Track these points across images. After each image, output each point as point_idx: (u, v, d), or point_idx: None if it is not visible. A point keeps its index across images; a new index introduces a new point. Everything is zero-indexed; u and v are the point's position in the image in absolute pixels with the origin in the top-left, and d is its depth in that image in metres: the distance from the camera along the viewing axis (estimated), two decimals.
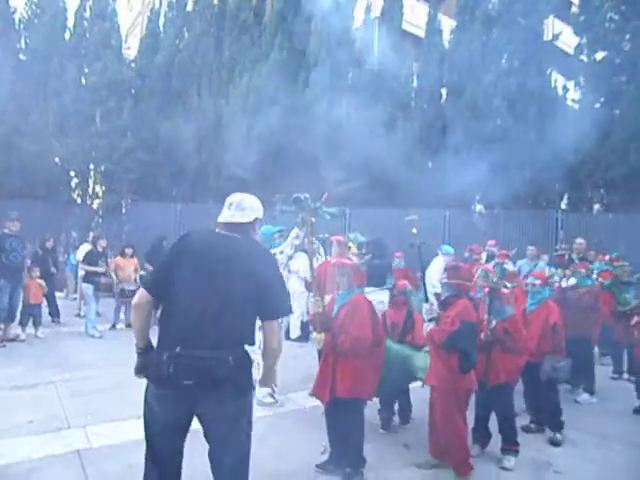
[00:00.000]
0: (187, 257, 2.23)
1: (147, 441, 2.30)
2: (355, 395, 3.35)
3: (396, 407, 4.53)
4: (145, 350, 2.33)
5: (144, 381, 2.37)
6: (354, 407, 3.38)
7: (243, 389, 2.24)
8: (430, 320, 3.54)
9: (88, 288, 7.94)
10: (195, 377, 2.11)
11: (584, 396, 5.47)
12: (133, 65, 13.40)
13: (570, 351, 5.17)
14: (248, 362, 2.27)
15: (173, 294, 2.19)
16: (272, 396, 4.79)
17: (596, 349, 6.75)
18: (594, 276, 6.01)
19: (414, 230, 3.81)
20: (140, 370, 2.35)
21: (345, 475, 3.34)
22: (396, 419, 4.53)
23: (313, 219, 3.69)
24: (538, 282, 4.53)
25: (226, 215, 2.38)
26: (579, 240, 7.60)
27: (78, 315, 9.48)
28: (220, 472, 2.24)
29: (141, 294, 2.28)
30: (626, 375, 6.12)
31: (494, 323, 3.86)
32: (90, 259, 8.07)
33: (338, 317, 3.44)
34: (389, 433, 4.34)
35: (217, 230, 2.38)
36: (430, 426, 3.70)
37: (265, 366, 2.44)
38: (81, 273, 9.09)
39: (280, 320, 2.40)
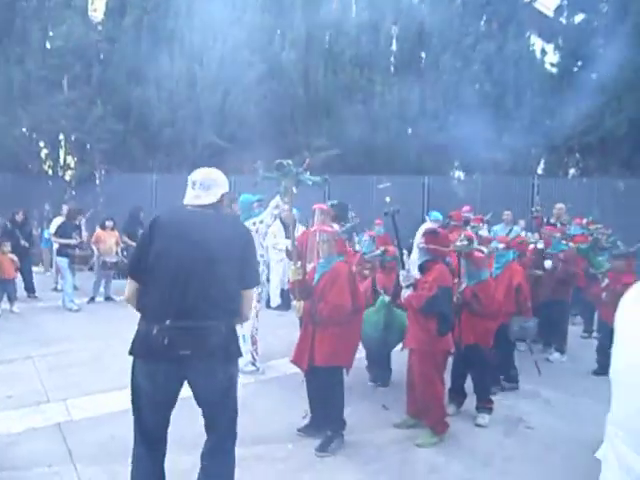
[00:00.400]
0: (164, 235, 2.23)
1: (136, 415, 2.33)
2: (333, 363, 3.39)
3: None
4: None
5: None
6: (333, 375, 3.42)
7: (234, 356, 2.33)
8: (407, 286, 3.58)
9: (62, 261, 7.79)
10: (191, 347, 2.15)
11: (555, 355, 5.69)
12: (100, 28, 12.75)
13: (546, 313, 5.34)
14: (236, 331, 2.35)
15: (153, 271, 2.20)
16: (253, 364, 4.84)
17: None
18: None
19: (387, 198, 3.80)
20: None
21: (326, 437, 3.42)
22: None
23: (295, 188, 3.63)
24: (501, 246, 4.65)
25: (191, 196, 2.36)
26: (559, 205, 7.70)
27: (55, 289, 9.33)
28: (215, 431, 2.36)
29: (130, 285, 2.29)
30: (595, 334, 6.35)
31: (463, 286, 3.93)
32: (63, 231, 7.87)
33: (318, 285, 3.45)
34: (368, 396, 4.44)
35: (181, 205, 2.36)
36: (408, 387, 3.80)
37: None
38: (55, 246, 8.91)
39: (260, 290, 2.42)
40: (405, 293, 3.60)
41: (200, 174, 2.38)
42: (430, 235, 3.67)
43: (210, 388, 2.26)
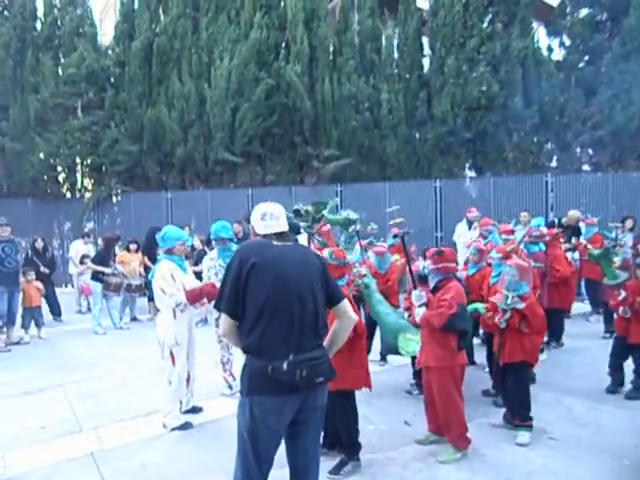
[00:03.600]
0: (267, 276, 2.33)
1: (253, 454, 2.34)
2: (338, 387, 3.30)
3: None
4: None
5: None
6: (340, 399, 3.41)
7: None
8: (420, 305, 3.66)
9: (96, 286, 8.02)
10: (323, 374, 2.35)
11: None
12: (110, 52, 13.06)
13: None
14: None
15: (262, 309, 2.31)
16: (230, 387, 4.92)
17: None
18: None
19: (400, 219, 3.86)
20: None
21: (340, 461, 3.48)
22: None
23: (313, 231, 3.74)
24: (499, 256, 4.65)
25: (265, 225, 2.54)
26: (523, 213, 7.68)
27: (80, 312, 9.60)
28: (304, 454, 2.49)
29: (226, 322, 2.40)
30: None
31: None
32: (100, 260, 8.14)
33: None
34: (389, 412, 4.49)
35: (267, 240, 2.51)
36: (426, 405, 3.85)
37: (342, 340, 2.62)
38: (78, 270, 9.15)
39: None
40: (420, 312, 3.66)
41: (267, 207, 2.59)
42: (435, 256, 3.72)
43: (319, 407, 2.44)
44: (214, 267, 4.85)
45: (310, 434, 2.47)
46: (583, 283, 8.21)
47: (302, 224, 3.63)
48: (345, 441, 3.53)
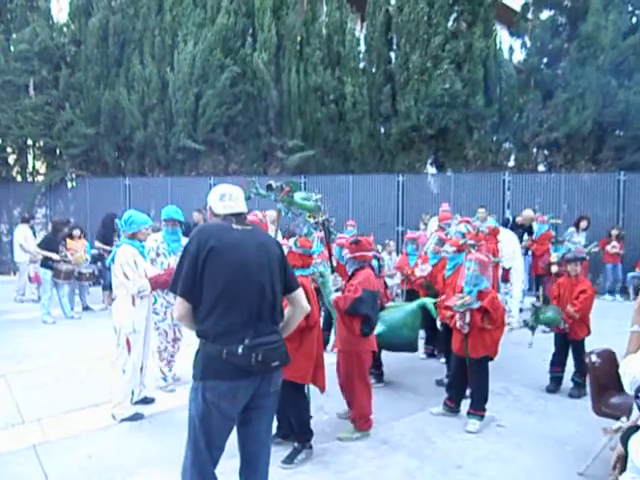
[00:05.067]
0: (225, 260, 2.30)
1: (204, 439, 2.31)
2: (287, 377, 3.32)
3: None
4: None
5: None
6: (289, 388, 3.36)
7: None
8: (337, 290, 3.79)
9: (46, 273, 7.65)
10: (278, 358, 2.35)
11: None
12: (65, 29, 12.44)
13: None
14: None
15: (220, 294, 2.28)
16: (164, 379, 4.78)
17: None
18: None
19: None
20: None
21: (293, 449, 3.49)
22: None
23: (281, 210, 3.77)
24: (452, 249, 4.80)
25: (226, 205, 2.50)
26: (481, 209, 7.92)
27: (20, 301, 9.19)
28: (255, 439, 2.47)
29: (182, 305, 2.32)
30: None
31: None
32: (48, 244, 7.74)
33: None
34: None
35: (227, 223, 2.45)
36: (340, 386, 3.95)
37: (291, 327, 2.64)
38: (26, 258, 8.72)
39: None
40: (333, 296, 3.77)
41: (225, 188, 2.55)
42: (353, 245, 3.88)
43: (273, 393, 2.44)
44: (155, 249, 4.67)
45: (263, 420, 2.46)
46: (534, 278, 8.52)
47: (273, 196, 3.64)
48: (296, 429, 3.53)
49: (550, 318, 4.71)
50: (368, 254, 3.91)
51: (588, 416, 3.74)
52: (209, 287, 2.27)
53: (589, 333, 4.80)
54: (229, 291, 2.28)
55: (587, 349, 4.21)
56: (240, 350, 2.23)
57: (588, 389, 3.82)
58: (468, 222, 5.77)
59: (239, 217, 2.48)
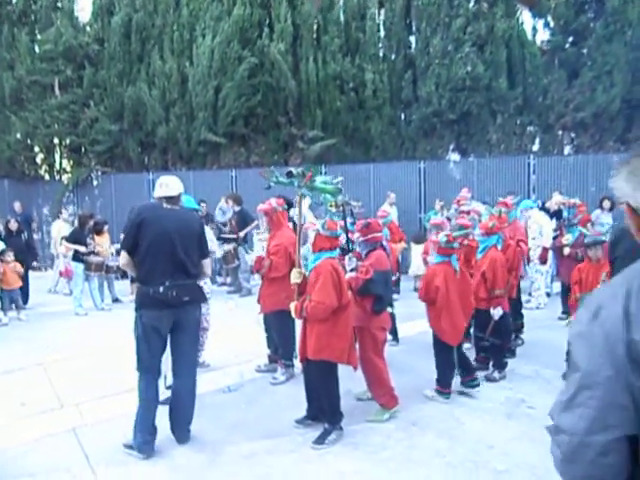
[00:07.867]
0: (154, 227, 3.32)
1: (144, 356, 3.35)
2: (319, 357, 3.44)
3: None
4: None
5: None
6: (322, 368, 3.48)
7: (202, 301, 3.82)
8: (351, 270, 3.83)
9: (77, 267, 7.85)
10: (188, 295, 3.39)
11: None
12: (88, 29, 12.65)
13: None
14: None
15: (149, 250, 3.30)
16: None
17: None
18: None
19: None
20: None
21: (323, 430, 3.52)
22: None
23: (304, 196, 3.88)
24: (481, 232, 4.77)
25: (161, 191, 3.51)
26: (555, 196, 7.78)
27: (54, 292, 9.47)
28: (181, 352, 3.53)
29: (125, 257, 3.39)
30: None
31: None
32: (76, 238, 7.91)
33: (309, 281, 3.56)
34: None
35: (159, 203, 3.48)
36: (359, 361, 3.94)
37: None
38: (61, 250, 8.96)
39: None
40: (348, 276, 3.78)
41: (164, 178, 3.58)
42: (364, 228, 3.98)
43: (192, 321, 3.51)
44: None
45: (186, 340, 3.51)
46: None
47: (295, 182, 3.77)
48: (327, 410, 3.56)
49: None
50: (377, 235, 4.02)
51: None
52: (142, 245, 3.29)
53: None
54: (152, 249, 3.28)
55: None
56: (161, 289, 3.27)
57: None
58: (506, 205, 5.70)
59: (170, 199, 3.46)
